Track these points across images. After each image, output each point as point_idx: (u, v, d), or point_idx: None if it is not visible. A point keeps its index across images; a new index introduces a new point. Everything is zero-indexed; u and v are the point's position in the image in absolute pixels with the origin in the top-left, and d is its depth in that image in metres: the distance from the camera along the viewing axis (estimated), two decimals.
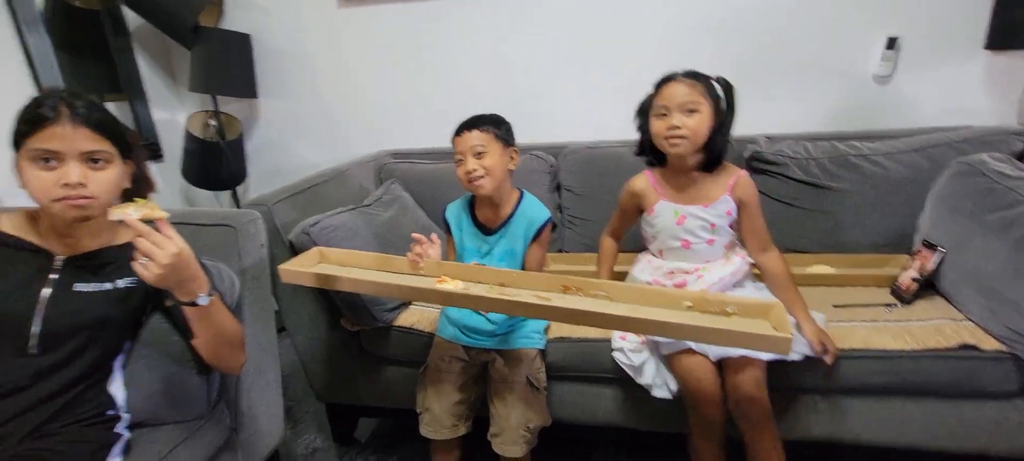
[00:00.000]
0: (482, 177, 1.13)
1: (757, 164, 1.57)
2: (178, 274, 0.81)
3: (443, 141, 1.90)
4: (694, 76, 1.13)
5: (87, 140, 0.82)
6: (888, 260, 1.46)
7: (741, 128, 1.20)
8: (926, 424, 1.16)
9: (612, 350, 1.22)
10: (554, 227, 1.25)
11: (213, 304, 0.89)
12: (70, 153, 0.81)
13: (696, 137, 1.12)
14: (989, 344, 1.10)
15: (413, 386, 1.29)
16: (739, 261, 1.21)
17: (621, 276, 1.34)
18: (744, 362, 1.07)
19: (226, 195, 2.15)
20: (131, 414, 0.97)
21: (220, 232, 1.15)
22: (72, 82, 1.69)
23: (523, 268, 1.22)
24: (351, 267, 1.12)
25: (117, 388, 0.95)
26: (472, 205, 1.27)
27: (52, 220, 0.87)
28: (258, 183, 2.21)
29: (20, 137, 0.81)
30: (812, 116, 1.73)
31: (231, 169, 2.03)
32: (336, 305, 1.37)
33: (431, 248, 1.08)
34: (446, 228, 1.31)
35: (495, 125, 1.16)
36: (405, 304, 1.42)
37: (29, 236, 0.89)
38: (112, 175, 0.86)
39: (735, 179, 1.19)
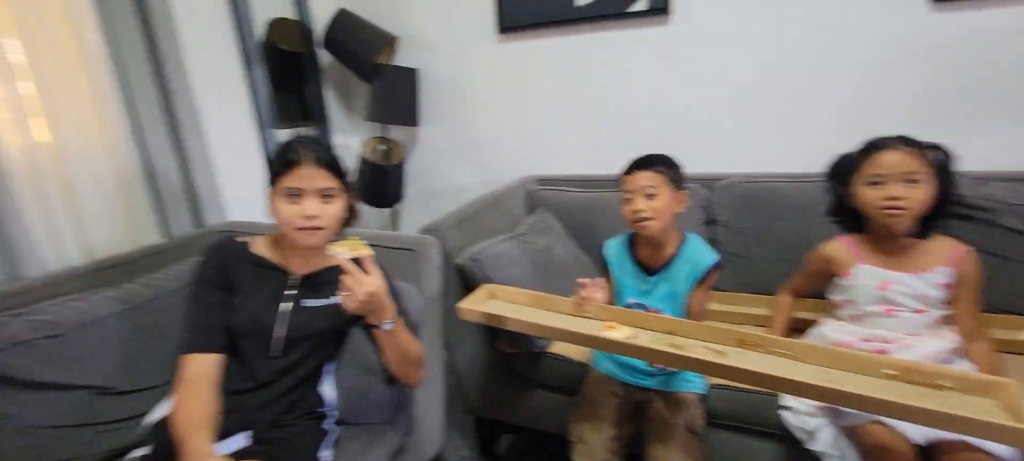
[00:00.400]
0: (650, 219, 1.13)
1: (959, 209, 1.38)
2: (371, 305, 0.94)
3: (590, 168, 1.96)
4: (909, 142, 1.04)
5: (323, 178, 0.98)
6: None
7: None
8: None
9: (779, 407, 1.15)
10: (719, 269, 1.21)
11: (396, 328, 1.01)
12: (310, 190, 0.97)
13: (918, 210, 1.04)
14: None
15: (560, 412, 1.32)
16: (954, 337, 1.08)
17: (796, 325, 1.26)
18: (964, 445, 0.92)
19: (387, 212, 2.39)
20: (337, 412, 1.12)
21: (404, 255, 1.29)
22: (276, 109, 2.01)
23: (686, 311, 1.20)
24: (517, 305, 1.18)
25: (328, 389, 1.11)
26: (632, 243, 1.28)
27: (291, 244, 1.04)
28: (412, 202, 2.42)
29: (275, 177, 0.99)
30: None
31: (394, 189, 2.25)
32: (494, 327, 1.45)
33: (598, 292, 1.10)
34: (602, 264, 1.32)
35: (668, 167, 1.15)
36: None
37: (274, 257, 1.08)
38: (338, 208, 1.02)
39: (963, 253, 1.09)
